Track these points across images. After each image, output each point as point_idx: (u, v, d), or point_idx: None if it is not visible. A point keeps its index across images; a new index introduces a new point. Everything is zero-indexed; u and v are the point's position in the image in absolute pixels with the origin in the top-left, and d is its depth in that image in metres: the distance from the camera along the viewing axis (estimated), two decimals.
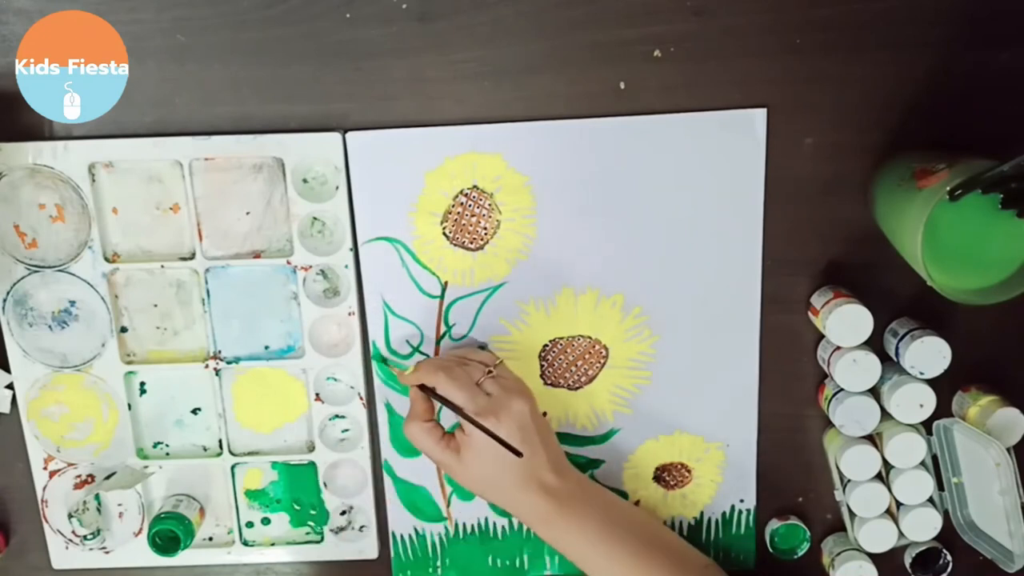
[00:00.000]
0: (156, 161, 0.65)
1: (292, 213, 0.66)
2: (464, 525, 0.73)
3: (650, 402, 0.70)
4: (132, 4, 0.62)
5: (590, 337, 0.69)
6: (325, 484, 0.72)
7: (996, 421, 0.64)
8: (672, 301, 0.68)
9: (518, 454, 0.60)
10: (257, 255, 0.68)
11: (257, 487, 0.73)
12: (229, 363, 0.69)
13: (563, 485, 0.63)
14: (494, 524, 0.73)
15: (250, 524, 0.74)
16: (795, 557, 0.72)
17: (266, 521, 0.74)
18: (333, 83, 0.64)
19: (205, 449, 0.72)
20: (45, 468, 0.71)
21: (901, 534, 0.68)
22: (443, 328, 0.69)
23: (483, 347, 0.69)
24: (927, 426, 0.66)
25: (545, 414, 0.70)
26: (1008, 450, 0.62)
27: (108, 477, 0.71)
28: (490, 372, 0.64)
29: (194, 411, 0.71)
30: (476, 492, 0.65)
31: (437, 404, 0.65)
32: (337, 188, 0.65)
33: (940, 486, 0.68)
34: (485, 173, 0.65)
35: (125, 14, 0.62)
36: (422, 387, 0.64)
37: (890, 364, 0.66)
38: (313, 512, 0.73)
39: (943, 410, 0.66)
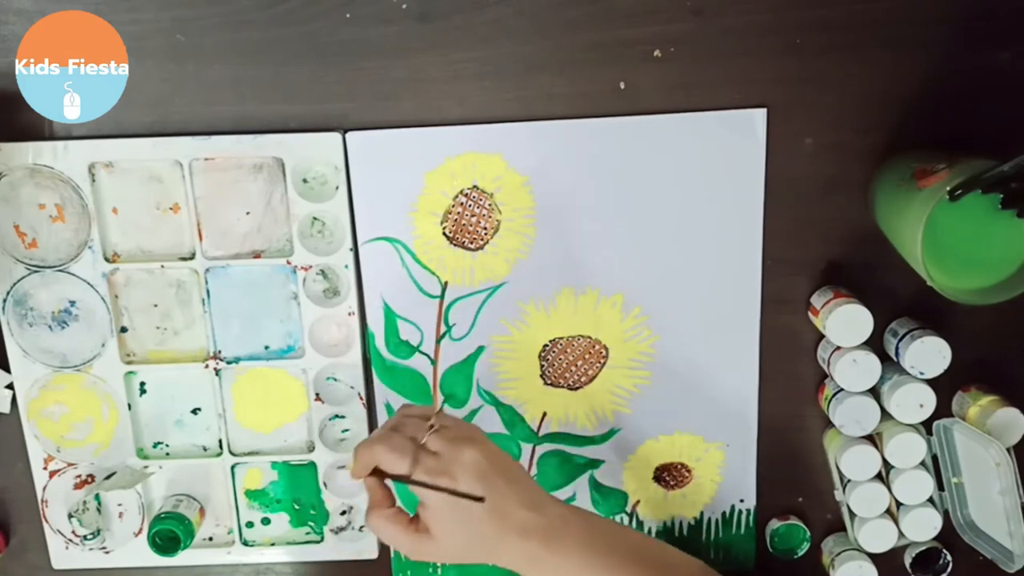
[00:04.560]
0: (156, 161, 0.65)
1: (292, 213, 0.66)
2: None
3: (650, 402, 0.70)
4: (132, 4, 0.62)
5: (590, 337, 0.69)
6: (325, 484, 0.72)
7: (996, 421, 0.64)
8: (672, 301, 0.68)
9: (479, 499, 0.54)
10: (257, 255, 0.68)
11: (257, 487, 0.73)
12: (229, 363, 0.69)
13: (541, 520, 0.57)
14: None
15: (250, 524, 0.74)
16: (795, 557, 0.72)
17: (266, 521, 0.74)
18: (333, 83, 0.64)
19: (205, 449, 0.72)
20: (45, 468, 0.71)
21: (901, 534, 0.68)
22: (443, 328, 0.69)
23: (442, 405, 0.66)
24: (927, 426, 0.66)
25: (545, 415, 0.70)
26: (1008, 450, 0.62)
27: (108, 477, 0.71)
28: (432, 427, 0.57)
29: (194, 411, 0.71)
30: (463, 561, 0.59)
31: (392, 484, 0.58)
32: (337, 188, 0.65)
33: (940, 486, 0.68)
34: (485, 173, 0.65)
35: (125, 14, 0.62)
36: (373, 472, 0.57)
37: (890, 364, 0.66)
38: (313, 512, 0.73)
39: (943, 410, 0.66)
